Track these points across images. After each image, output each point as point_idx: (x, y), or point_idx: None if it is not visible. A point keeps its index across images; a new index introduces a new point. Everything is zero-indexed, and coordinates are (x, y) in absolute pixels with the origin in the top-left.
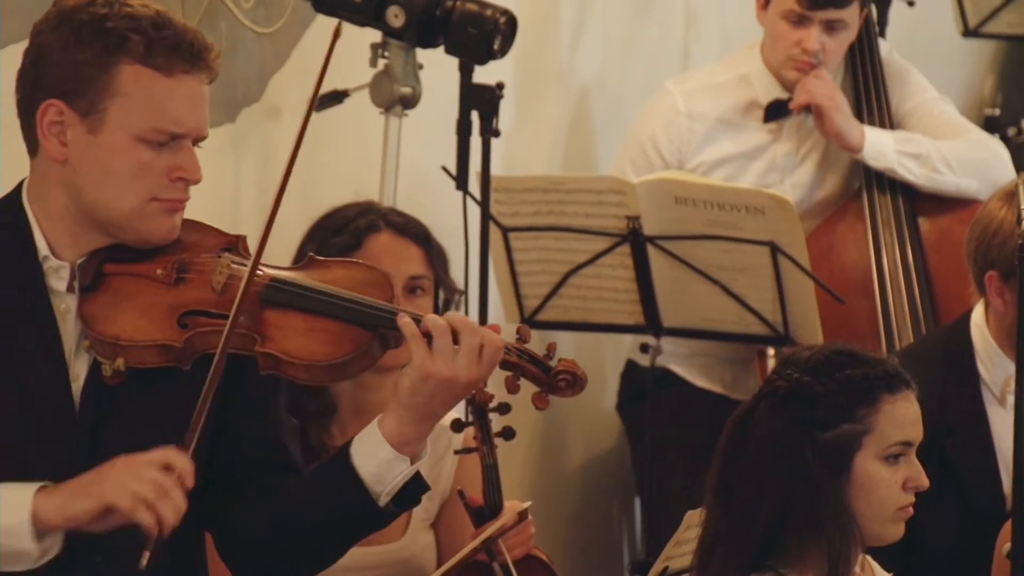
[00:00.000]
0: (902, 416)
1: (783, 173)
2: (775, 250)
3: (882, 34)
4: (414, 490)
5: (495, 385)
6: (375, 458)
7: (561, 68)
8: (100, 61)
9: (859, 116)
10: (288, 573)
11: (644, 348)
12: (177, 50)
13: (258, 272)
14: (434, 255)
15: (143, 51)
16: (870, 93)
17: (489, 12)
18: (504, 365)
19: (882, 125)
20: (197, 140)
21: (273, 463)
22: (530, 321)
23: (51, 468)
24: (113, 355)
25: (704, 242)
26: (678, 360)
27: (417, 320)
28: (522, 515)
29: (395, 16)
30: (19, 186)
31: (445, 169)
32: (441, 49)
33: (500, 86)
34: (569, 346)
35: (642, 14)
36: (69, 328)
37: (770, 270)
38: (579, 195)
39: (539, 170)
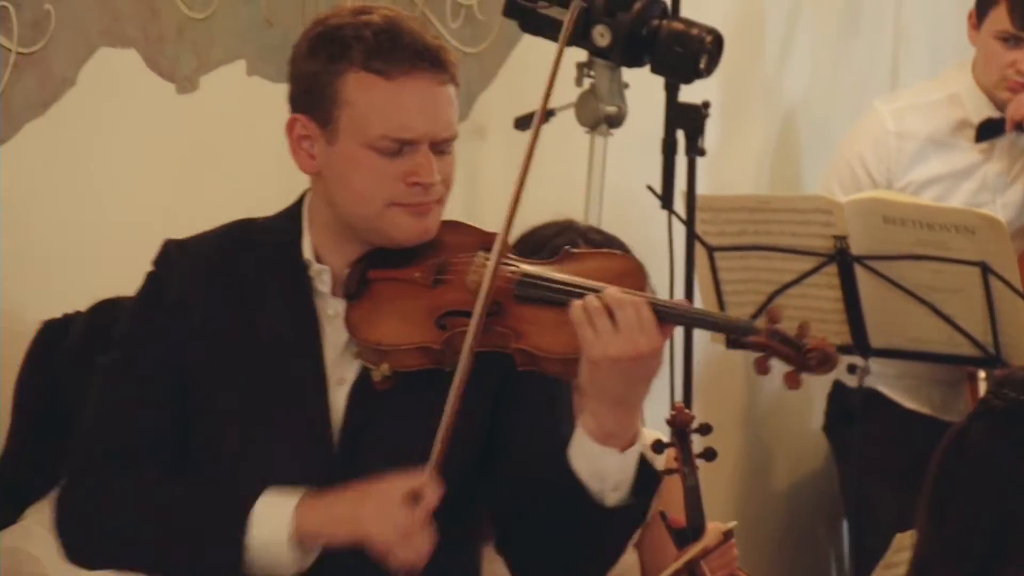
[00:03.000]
0: None
1: (994, 193)
2: (986, 270)
3: None
4: (646, 477)
5: (746, 365)
6: (586, 456)
7: (767, 87)
8: (329, 70)
9: None
10: None
11: (852, 369)
12: (396, 52)
13: (512, 268)
14: None
15: (364, 57)
16: None
17: (696, 31)
18: (755, 347)
19: None
20: (438, 143)
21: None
22: (734, 341)
23: (305, 469)
24: (378, 360)
25: (913, 262)
26: (886, 381)
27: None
28: (726, 536)
29: (601, 35)
30: (304, 193)
31: (650, 188)
32: (647, 68)
33: (706, 105)
34: (775, 365)
35: (850, 32)
36: (337, 332)
37: (980, 290)
38: (786, 214)
39: (745, 190)
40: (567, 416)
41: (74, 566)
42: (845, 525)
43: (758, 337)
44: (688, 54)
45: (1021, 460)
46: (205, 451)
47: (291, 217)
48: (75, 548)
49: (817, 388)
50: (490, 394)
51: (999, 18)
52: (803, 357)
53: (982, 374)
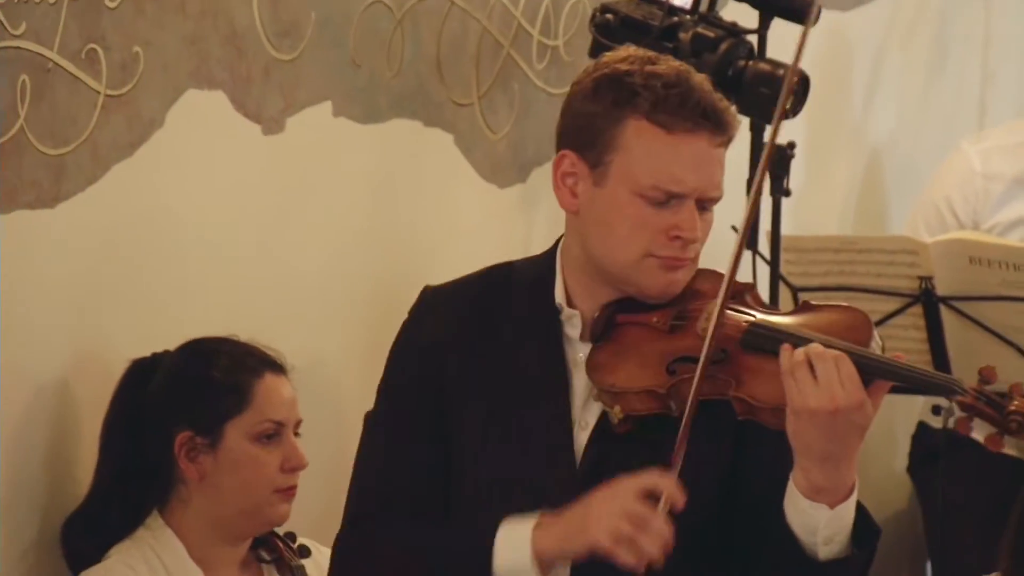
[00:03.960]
0: None
1: None
2: None
3: None
4: (865, 530)
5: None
6: (796, 510)
7: (854, 127)
8: (610, 114)
9: None
10: None
11: (936, 410)
12: (683, 108)
13: (745, 317)
14: None
15: (649, 107)
16: None
17: (782, 72)
18: (961, 407)
19: None
20: (706, 201)
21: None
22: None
23: (545, 506)
24: (611, 403)
25: (999, 303)
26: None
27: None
28: None
29: None
30: (559, 239)
31: (734, 228)
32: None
33: (792, 145)
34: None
35: (937, 72)
36: (583, 377)
37: None
38: (871, 255)
39: (830, 230)
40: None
41: None
42: (929, 567)
43: (965, 398)
44: (774, 95)
45: None
46: (456, 489)
47: (547, 261)
48: None
49: (901, 429)
50: (726, 443)
51: None
52: (1005, 419)
53: None
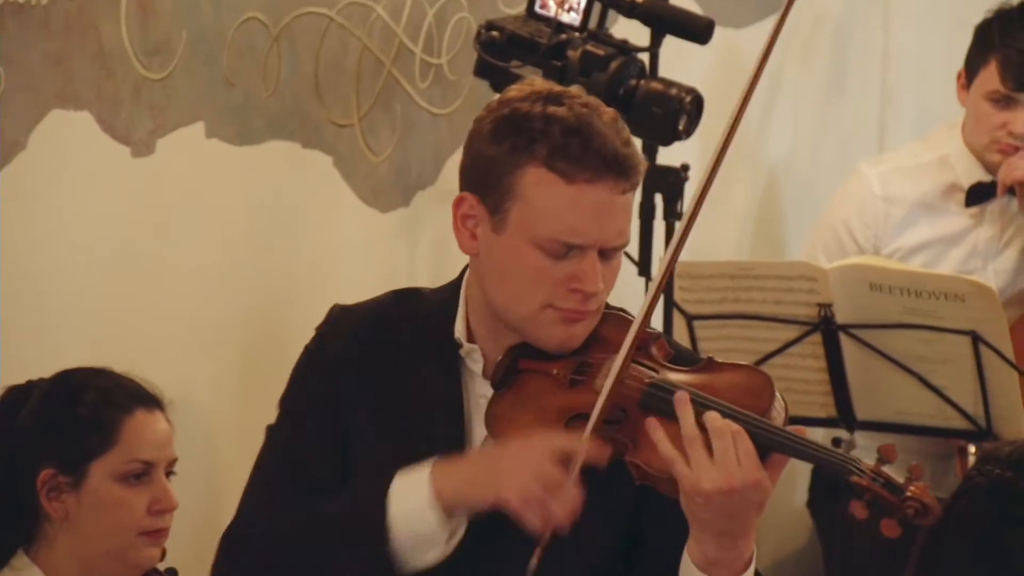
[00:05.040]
0: None
1: (985, 259)
2: (976, 340)
3: None
4: None
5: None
6: None
7: (749, 149)
8: (508, 160)
9: None
10: None
11: (837, 442)
12: (584, 156)
13: (649, 374)
14: None
15: (547, 154)
16: None
17: (675, 91)
18: (857, 489)
19: None
20: (609, 250)
21: None
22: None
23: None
24: None
25: (901, 331)
26: (873, 455)
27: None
28: None
29: None
30: (465, 267)
31: (627, 254)
32: None
33: (685, 168)
34: None
35: (835, 91)
36: (483, 416)
37: (971, 361)
38: (768, 281)
39: (725, 256)
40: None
41: None
42: None
43: (861, 479)
44: (667, 115)
45: (1003, 538)
46: None
47: (451, 292)
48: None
49: (800, 462)
50: (624, 505)
51: (989, 78)
52: (902, 504)
53: (972, 448)
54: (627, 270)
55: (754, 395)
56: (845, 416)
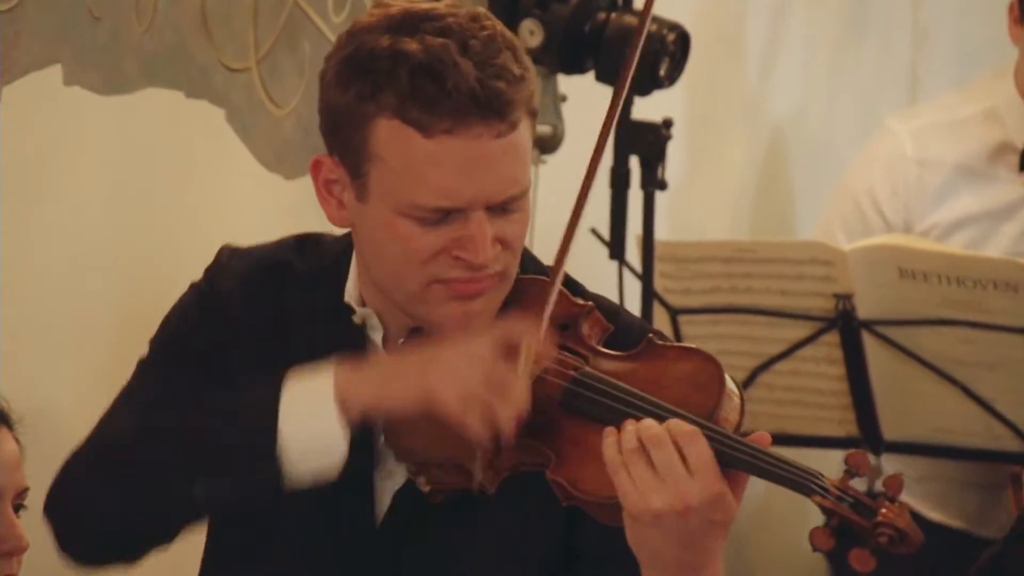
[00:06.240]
0: None
1: None
2: None
3: None
4: None
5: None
6: None
7: (748, 100)
8: (357, 111)
9: None
10: None
11: None
12: (439, 102)
13: (575, 362)
14: None
15: (396, 103)
16: None
17: (654, 27)
18: (822, 511)
19: None
20: (501, 204)
21: None
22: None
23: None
24: (415, 472)
25: (938, 328)
26: (905, 485)
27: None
28: None
29: (530, 33)
30: None
31: (595, 232)
32: (590, 75)
33: (668, 124)
34: None
35: (855, 30)
36: None
37: None
38: (772, 266)
39: (719, 234)
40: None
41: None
42: None
43: (825, 499)
44: (644, 58)
45: None
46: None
47: (347, 245)
48: (71, 529)
49: None
50: (550, 527)
51: None
52: (873, 530)
53: None
54: (598, 252)
55: (700, 388)
56: (869, 435)
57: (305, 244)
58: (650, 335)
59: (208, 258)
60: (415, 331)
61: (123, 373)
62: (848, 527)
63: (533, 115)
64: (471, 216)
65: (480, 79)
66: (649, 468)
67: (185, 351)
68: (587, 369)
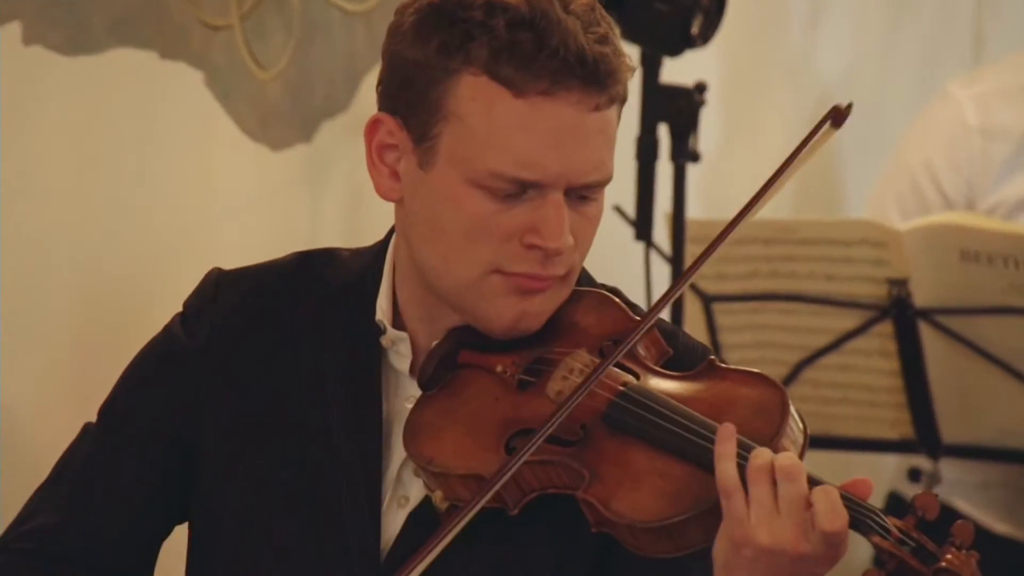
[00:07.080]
0: None
1: None
2: None
3: None
4: None
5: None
6: None
7: (792, 64)
8: (436, 66)
9: None
10: None
11: (915, 475)
12: (538, 58)
13: (624, 378)
14: None
15: (489, 56)
16: None
17: None
18: (878, 554)
19: None
20: (582, 189)
21: None
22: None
23: None
24: (433, 484)
25: (1004, 317)
26: (965, 493)
27: (743, 462)
28: None
29: None
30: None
31: (619, 209)
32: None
33: (701, 88)
34: None
35: None
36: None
37: None
38: (817, 248)
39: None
40: None
41: None
42: None
43: (884, 540)
44: (675, 14)
45: None
46: (197, 566)
47: (374, 257)
48: None
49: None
50: (578, 557)
51: None
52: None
53: None
54: (621, 231)
55: (762, 412)
56: (925, 437)
57: (316, 259)
58: (711, 358)
59: (183, 242)
60: (452, 333)
61: (89, 366)
62: (905, 573)
63: (623, 102)
64: (549, 196)
65: (584, 41)
66: (772, 497)
67: (135, 416)
68: (636, 383)
